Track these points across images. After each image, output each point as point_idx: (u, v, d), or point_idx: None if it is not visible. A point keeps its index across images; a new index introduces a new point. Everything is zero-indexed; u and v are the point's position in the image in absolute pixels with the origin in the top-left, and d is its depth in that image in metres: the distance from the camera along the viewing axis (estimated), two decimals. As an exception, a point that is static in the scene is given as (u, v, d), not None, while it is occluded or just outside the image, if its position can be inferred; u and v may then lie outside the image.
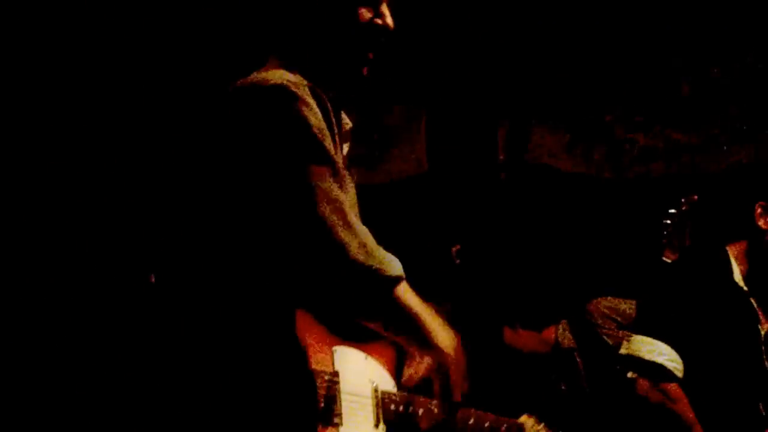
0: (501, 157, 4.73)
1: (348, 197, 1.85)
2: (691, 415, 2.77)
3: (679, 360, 2.78)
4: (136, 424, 3.30)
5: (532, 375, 3.93)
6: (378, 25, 1.91)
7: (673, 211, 3.54)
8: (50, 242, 3.71)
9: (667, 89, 4.53)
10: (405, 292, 1.84)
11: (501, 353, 3.96)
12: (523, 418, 2.46)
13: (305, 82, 1.81)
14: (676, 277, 3.01)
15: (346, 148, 2.01)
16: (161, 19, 3.83)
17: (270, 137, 1.75)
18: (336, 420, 1.78)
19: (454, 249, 4.41)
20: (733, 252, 2.91)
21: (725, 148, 4.41)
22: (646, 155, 4.61)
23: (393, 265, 1.83)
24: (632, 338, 2.92)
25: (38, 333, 3.61)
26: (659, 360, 2.79)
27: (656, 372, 2.80)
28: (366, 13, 1.90)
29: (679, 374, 2.79)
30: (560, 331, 3.87)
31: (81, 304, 3.69)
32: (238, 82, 1.82)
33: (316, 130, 1.75)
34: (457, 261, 4.41)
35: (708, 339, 2.79)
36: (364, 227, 1.83)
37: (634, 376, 2.86)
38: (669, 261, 3.48)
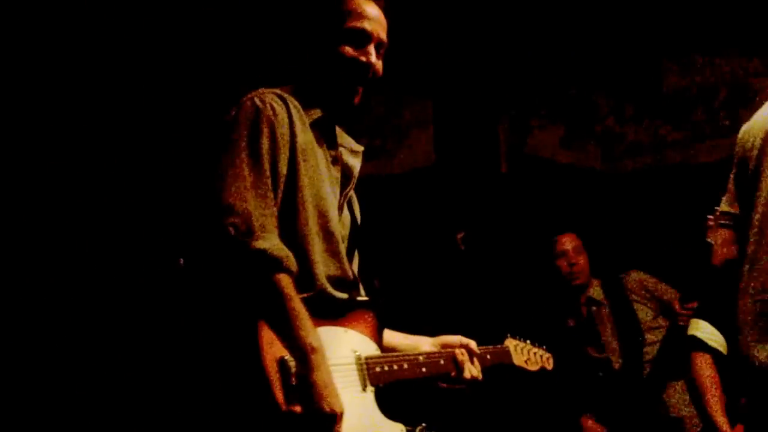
0: (502, 151, 4.84)
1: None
2: (706, 383, 2.88)
3: (718, 335, 2.88)
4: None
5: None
6: (362, 62, 2.11)
7: None
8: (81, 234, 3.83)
9: (656, 84, 4.64)
10: (288, 285, 1.86)
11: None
12: (507, 342, 2.60)
13: (277, 91, 2.05)
14: None
15: (357, 163, 2.22)
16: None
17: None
18: None
19: (459, 236, 4.58)
20: None
21: (710, 141, 4.50)
22: (636, 148, 4.70)
23: (274, 249, 1.85)
24: (691, 321, 3.04)
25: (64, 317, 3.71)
26: (695, 333, 2.93)
27: (693, 343, 2.94)
28: (350, 51, 2.11)
29: (715, 345, 2.89)
30: (594, 286, 4.13)
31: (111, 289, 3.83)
32: None
33: (244, 128, 1.95)
34: (462, 247, 4.63)
35: None
36: (263, 208, 1.90)
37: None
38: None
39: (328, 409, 1.82)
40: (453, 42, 4.62)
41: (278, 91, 2.06)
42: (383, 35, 2.16)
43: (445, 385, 2.32)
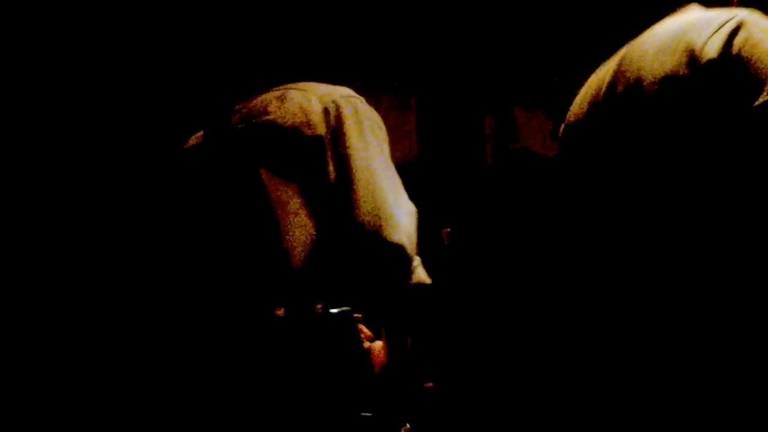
0: (488, 143, 4.80)
1: None
2: None
3: None
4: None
5: None
6: None
7: None
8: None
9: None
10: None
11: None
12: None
13: None
14: None
15: None
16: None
17: None
18: None
19: (444, 231, 4.57)
20: None
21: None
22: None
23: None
24: None
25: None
26: None
27: None
28: None
29: None
30: None
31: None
32: None
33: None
34: (447, 243, 4.53)
35: None
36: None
37: None
38: None
39: None
40: (435, 31, 4.57)
41: None
42: None
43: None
